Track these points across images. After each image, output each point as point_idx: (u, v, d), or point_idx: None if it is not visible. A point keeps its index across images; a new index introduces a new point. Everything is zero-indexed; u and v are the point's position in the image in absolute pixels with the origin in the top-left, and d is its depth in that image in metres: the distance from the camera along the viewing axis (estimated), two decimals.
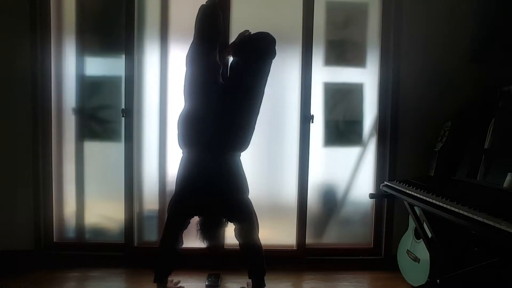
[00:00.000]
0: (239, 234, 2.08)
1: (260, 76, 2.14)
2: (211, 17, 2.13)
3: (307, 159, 2.62)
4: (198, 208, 2.07)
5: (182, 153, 2.12)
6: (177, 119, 2.11)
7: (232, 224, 2.11)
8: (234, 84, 2.12)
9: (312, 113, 2.60)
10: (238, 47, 2.23)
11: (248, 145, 2.14)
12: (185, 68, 2.13)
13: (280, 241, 2.66)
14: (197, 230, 2.10)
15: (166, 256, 2.09)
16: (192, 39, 2.15)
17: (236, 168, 2.10)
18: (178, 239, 2.09)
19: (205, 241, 2.12)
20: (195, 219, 2.13)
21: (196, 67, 2.10)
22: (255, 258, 2.06)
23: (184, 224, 2.10)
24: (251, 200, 2.13)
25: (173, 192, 2.14)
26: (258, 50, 2.13)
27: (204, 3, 2.15)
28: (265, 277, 2.07)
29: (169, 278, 2.14)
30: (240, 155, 2.14)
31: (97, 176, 2.65)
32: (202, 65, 2.10)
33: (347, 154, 2.71)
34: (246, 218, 2.07)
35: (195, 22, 2.13)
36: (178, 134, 2.11)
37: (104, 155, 2.66)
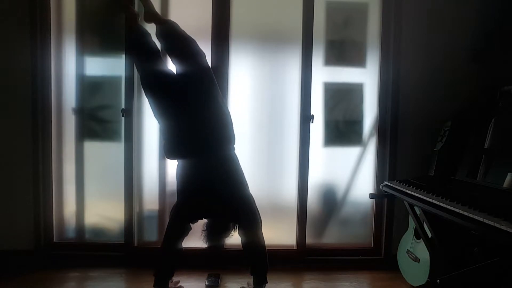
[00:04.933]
0: (241, 231, 2.07)
1: (206, 73, 2.11)
2: (140, 36, 2.17)
3: (307, 159, 2.62)
4: (200, 211, 2.07)
5: (177, 161, 2.13)
6: (158, 135, 2.12)
7: (236, 223, 2.10)
8: (188, 88, 2.08)
9: (312, 113, 2.60)
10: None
11: (233, 137, 2.12)
12: (144, 91, 2.15)
13: (280, 241, 2.66)
14: (202, 231, 2.10)
15: (167, 261, 2.08)
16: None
17: (232, 165, 2.09)
18: (179, 244, 2.08)
19: (208, 243, 2.12)
20: (199, 223, 2.13)
21: (153, 86, 2.10)
22: (258, 255, 2.06)
23: (186, 229, 2.10)
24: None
25: (174, 196, 2.14)
26: (193, 53, 2.11)
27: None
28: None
29: None
30: (233, 150, 2.13)
31: (97, 176, 2.65)
32: (157, 83, 2.10)
33: (347, 154, 2.71)
34: (248, 215, 2.06)
35: (129, 47, 2.22)
36: (163, 148, 2.14)
37: (104, 155, 2.66)
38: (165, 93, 2.08)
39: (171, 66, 2.22)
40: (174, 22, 2.17)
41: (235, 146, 2.14)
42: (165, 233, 2.10)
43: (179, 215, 2.09)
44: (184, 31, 2.13)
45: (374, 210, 2.70)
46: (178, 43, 2.11)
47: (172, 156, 2.12)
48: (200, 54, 2.12)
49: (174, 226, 2.09)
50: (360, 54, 2.69)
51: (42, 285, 2.27)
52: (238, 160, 2.12)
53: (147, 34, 2.20)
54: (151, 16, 2.18)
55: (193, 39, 2.13)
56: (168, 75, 2.15)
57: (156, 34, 2.17)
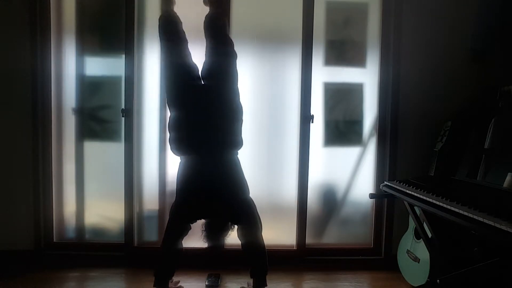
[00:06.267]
0: (241, 233, 2.07)
1: (232, 76, 2.15)
2: (172, 23, 2.18)
3: (307, 159, 2.62)
4: (200, 212, 2.07)
5: (180, 158, 2.12)
6: (167, 126, 2.11)
7: (236, 226, 2.11)
8: (211, 84, 2.12)
9: (312, 113, 2.60)
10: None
11: (241, 142, 2.13)
12: (163, 79, 2.14)
13: (280, 241, 2.66)
14: (202, 231, 2.11)
15: (167, 261, 2.08)
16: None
17: (235, 168, 2.09)
18: (179, 243, 2.08)
19: (208, 242, 2.12)
20: (199, 222, 2.13)
21: (174, 76, 2.11)
22: (258, 258, 2.06)
23: (185, 229, 2.10)
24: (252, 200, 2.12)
25: (174, 196, 2.13)
26: (226, 54, 2.15)
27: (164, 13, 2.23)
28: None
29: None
30: (237, 154, 2.14)
31: (97, 176, 2.65)
32: (178, 72, 2.11)
33: (347, 154, 2.71)
34: (248, 217, 2.06)
35: (159, 33, 2.18)
36: (169, 140, 2.12)
37: (104, 155, 2.66)
38: (187, 83, 2.08)
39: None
40: (224, 14, 2.25)
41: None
42: (165, 232, 2.10)
43: (178, 214, 2.08)
44: (228, 31, 2.22)
45: (374, 210, 2.70)
46: (220, 33, 2.17)
47: (180, 150, 2.09)
48: (234, 54, 2.16)
49: (174, 225, 2.09)
50: (360, 54, 2.69)
51: (42, 285, 2.27)
52: (240, 164, 2.13)
53: (179, 22, 2.22)
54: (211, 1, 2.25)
55: (232, 41, 2.19)
56: (193, 66, 2.15)
57: (205, 18, 2.22)
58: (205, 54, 2.19)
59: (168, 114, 2.55)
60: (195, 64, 2.17)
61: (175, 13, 2.25)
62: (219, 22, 2.21)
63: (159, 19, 2.20)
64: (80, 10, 2.59)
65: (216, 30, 2.19)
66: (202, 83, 2.12)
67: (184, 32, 2.22)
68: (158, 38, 2.19)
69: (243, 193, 2.09)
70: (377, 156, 2.67)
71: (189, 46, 2.19)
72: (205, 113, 2.04)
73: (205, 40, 2.21)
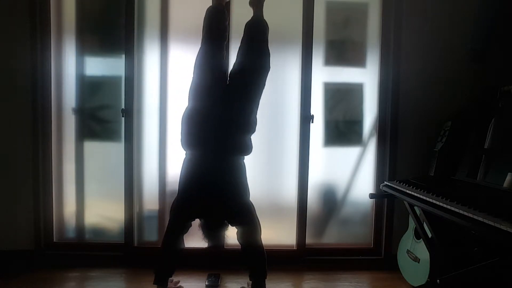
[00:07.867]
0: (240, 236, 2.07)
1: (258, 87, 2.15)
2: (219, 18, 2.18)
3: (307, 159, 2.62)
4: (200, 210, 2.07)
5: (185, 154, 2.12)
6: (181, 118, 2.10)
7: (233, 226, 2.11)
8: (236, 88, 2.12)
9: (312, 113, 2.60)
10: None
11: (251, 149, 2.13)
12: (193, 69, 2.12)
13: (280, 241, 2.66)
14: (201, 230, 2.11)
15: (167, 258, 2.08)
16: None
17: (239, 172, 2.08)
18: (180, 241, 2.08)
19: (207, 242, 2.12)
20: (198, 221, 2.13)
21: (205, 68, 2.10)
22: (257, 261, 2.06)
23: (186, 227, 2.09)
24: (252, 201, 2.12)
25: (176, 194, 2.12)
26: (260, 65, 2.16)
27: (211, 4, 2.20)
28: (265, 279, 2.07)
29: (169, 278, 2.13)
30: (243, 159, 2.13)
31: (97, 176, 2.65)
32: (210, 66, 2.11)
33: (347, 154, 2.71)
34: (247, 221, 2.06)
35: (203, 24, 2.16)
36: (181, 133, 2.10)
37: (104, 155, 2.66)
38: (214, 80, 2.08)
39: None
40: (267, 24, 2.22)
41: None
42: (166, 229, 2.10)
43: (180, 211, 2.08)
44: (267, 41, 2.19)
45: (374, 210, 2.70)
46: (258, 38, 2.17)
47: (188, 143, 2.07)
48: (267, 67, 2.16)
49: (175, 222, 2.08)
50: (360, 54, 2.69)
51: (42, 285, 2.27)
52: (245, 169, 2.12)
53: (226, 19, 2.22)
54: (257, 2, 2.26)
55: (269, 52, 2.18)
56: (225, 65, 2.15)
57: (248, 21, 2.23)
58: (238, 55, 2.17)
59: (168, 114, 2.59)
60: (226, 64, 2.15)
61: (225, 8, 2.23)
62: (260, 26, 2.20)
63: (207, 11, 2.17)
64: (80, 10, 2.59)
65: (258, 36, 2.18)
66: (228, 84, 2.11)
67: (227, 29, 2.22)
68: (202, 28, 2.16)
69: (244, 195, 2.09)
70: (377, 156, 2.67)
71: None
72: (222, 114, 2.03)
73: (240, 42, 2.20)
